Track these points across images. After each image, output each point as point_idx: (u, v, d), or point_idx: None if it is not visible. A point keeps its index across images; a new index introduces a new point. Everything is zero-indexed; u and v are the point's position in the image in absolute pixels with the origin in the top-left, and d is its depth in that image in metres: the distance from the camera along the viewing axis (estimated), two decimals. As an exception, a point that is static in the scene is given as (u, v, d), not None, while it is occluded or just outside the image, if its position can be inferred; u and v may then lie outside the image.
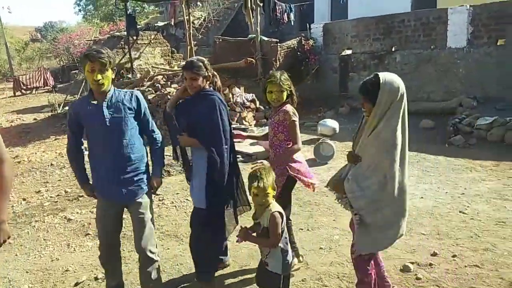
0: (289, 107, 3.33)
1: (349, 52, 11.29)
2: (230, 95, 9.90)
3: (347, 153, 2.82)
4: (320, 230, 4.48)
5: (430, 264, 3.69)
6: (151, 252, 2.96)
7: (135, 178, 2.88)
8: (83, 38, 23.32)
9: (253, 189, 2.55)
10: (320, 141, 7.24)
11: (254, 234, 2.70)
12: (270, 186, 2.56)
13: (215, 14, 17.59)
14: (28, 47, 35.32)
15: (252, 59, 10.93)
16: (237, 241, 2.74)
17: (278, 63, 11.73)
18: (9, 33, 34.63)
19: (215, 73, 3.22)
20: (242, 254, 3.99)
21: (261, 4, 12.48)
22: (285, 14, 14.39)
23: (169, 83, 10.54)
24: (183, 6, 11.98)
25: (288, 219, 3.40)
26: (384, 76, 2.44)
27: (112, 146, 2.79)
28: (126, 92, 2.92)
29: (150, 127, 3.01)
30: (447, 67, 9.68)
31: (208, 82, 3.15)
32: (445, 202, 5.09)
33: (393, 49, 10.46)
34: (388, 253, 3.89)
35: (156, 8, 26.25)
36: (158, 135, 3.06)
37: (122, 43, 14.29)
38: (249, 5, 11.90)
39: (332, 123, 8.21)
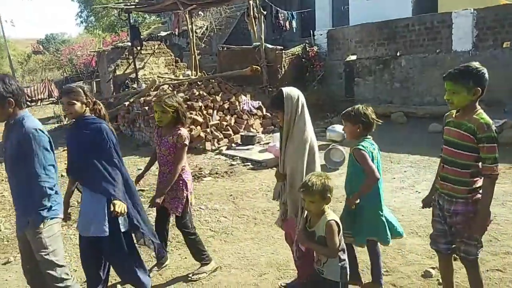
0: (183, 131, 3.47)
1: (353, 57, 11.33)
2: (237, 103, 9.92)
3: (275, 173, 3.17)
4: (337, 236, 4.45)
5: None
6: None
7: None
8: (86, 49, 23.46)
9: (301, 194, 2.55)
10: (330, 147, 7.23)
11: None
12: (318, 193, 2.44)
13: (217, 23, 17.70)
14: (30, 59, 35.51)
15: (257, 67, 10.98)
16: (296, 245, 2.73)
17: (283, 70, 11.79)
18: (12, 45, 34.92)
19: (98, 101, 3.13)
20: (260, 262, 3.98)
21: (265, 13, 12.58)
22: (287, 21, 14.50)
23: (175, 92, 10.56)
24: (186, 16, 12.05)
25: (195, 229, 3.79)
26: (285, 90, 2.93)
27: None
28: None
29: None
30: (453, 70, 9.68)
31: (87, 109, 3.04)
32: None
33: (398, 54, 10.50)
34: (408, 259, 3.87)
35: (158, 18, 26.39)
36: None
37: (126, 53, 14.35)
38: (252, 13, 12.00)
39: (341, 129, 8.20)
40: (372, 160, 2.97)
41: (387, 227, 3.14)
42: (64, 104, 3.00)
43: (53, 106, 16.63)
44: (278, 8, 14.34)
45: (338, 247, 2.50)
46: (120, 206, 2.98)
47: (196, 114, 9.15)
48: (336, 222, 2.50)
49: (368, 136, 3.11)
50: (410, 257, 3.91)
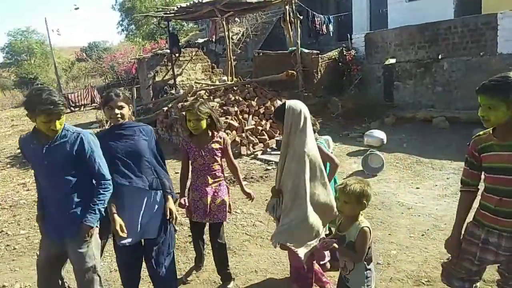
0: (222, 134, 3.54)
1: (393, 61, 11.07)
2: (272, 108, 9.92)
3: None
4: (375, 245, 4.34)
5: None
6: None
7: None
8: (127, 57, 24.25)
9: (337, 194, 2.57)
10: (368, 152, 7.08)
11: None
12: (355, 195, 2.45)
13: (253, 28, 17.82)
14: (74, 66, 37.14)
15: (293, 72, 10.95)
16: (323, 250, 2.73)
17: (319, 74, 11.70)
18: (57, 53, 36.61)
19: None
20: (276, 271, 3.93)
21: (301, 17, 12.54)
22: (324, 25, 14.40)
23: (211, 97, 10.71)
24: (223, 22, 12.22)
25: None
26: (289, 103, 2.88)
27: (54, 186, 2.74)
28: (73, 133, 2.76)
29: (96, 170, 2.79)
30: (498, 73, 9.25)
31: None
32: None
33: (439, 57, 10.16)
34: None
35: (195, 26, 26.91)
36: (105, 180, 2.81)
37: (165, 60, 14.71)
38: (288, 19, 12.00)
39: (380, 134, 8.01)
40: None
41: None
42: (112, 108, 2.96)
43: (95, 111, 17.26)
44: (314, 13, 14.28)
45: (366, 253, 2.51)
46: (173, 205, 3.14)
47: (232, 119, 9.23)
48: (369, 228, 2.51)
49: (318, 137, 3.52)
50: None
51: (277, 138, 8.99)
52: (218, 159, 3.49)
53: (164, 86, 14.26)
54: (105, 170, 2.82)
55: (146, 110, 13.82)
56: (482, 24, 9.48)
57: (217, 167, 3.50)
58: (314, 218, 2.82)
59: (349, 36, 12.50)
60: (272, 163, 7.90)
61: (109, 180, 2.83)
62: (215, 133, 3.47)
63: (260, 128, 9.32)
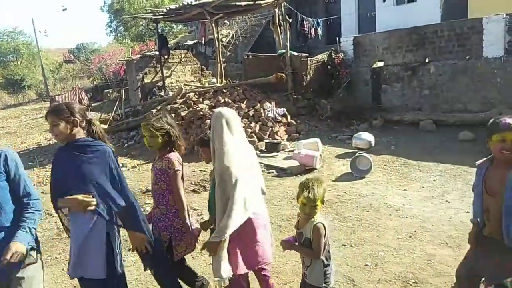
0: (173, 156, 3.03)
1: (381, 64, 11.18)
2: (262, 110, 9.95)
3: None
4: (364, 246, 4.38)
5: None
6: None
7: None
8: (115, 58, 24.07)
9: (302, 198, 2.54)
10: (356, 154, 7.13)
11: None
12: (320, 199, 2.54)
13: (243, 31, 17.87)
14: (62, 68, 36.70)
15: (282, 74, 10.99)
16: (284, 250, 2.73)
17: (308, 77, 11.75)
18: (44, 55, 36.15)
19: (94, 121, 2.79)
20: (285, 270, 3.94)
21: (290, 20, 12.60)
22: (313, 28, 14.50)
23: (201, 99, 10.70)
24: (213, 25, 12.22)
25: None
26: (216, 110, 2.86)
27: None
28: None
29: (21, 190, 2.47)
30: (484, 77, 9.43)
31: (78, 129, 2.65)
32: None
33: (426, 60, 10.29)
34: (438, 270, 3.77)
35: (185, 28, 26.86)
36: (33, 200, 2.49)
37: (154, 62, 14.66)
38: (277, 21, 12.04)
39: (368, 136, 8.09)
40: None
41: None
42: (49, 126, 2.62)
43: (83, 113, 17.09)
44: (303, 16, 14.37)
45: (323, 250, 2.56)
46: (141, 240, 2.70)
47: (221, 121, 9.21)
48: (323, 225, 2.56)
49: None
50: (440, 268, 3.81)
51: (266, 140, 9.01)
52: (161, 183, 3.02)
53: (153, 88, 14.20)
54: (32, 189, 2.52)
55: (134, 112, 13.73)
56: (468, 28, 9.64)
57: (159, 191, 3.05)
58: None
59: (337, 39, 12.59)
60: (261, 166, 7.89)
61: (38, 199, 2.52)
62: (168, 152, 3.05)
63: (249, 130, 9.33)
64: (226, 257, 2.64)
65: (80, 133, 2.63)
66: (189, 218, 3.14)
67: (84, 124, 2.67)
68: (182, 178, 3.08)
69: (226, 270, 2.62)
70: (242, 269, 2.72)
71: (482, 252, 2.58)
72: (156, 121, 3.02)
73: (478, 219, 2.56)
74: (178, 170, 2.99)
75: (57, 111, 2.58)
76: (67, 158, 2.60)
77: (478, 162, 2.69)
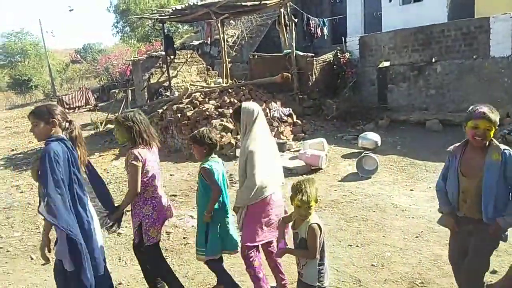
0: (135, 150, 3.20)
1: (387, 64, 11.14)
2: (267, 110, 9.95)
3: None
4: (370, 246, 4.38)
5: (490, 282, 3.52)
6: None
7: None
8: (122, 59, 24.19)
9: (296, 201, 2.57)
10: (362, 154, 7.12)
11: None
12: (314, 199, 2.57)
13: (248, 31, 17.86)
14: (68, 68, 36.96)
15: (288, 74, 10.99)
16: (277, 257, 2.81)
17: (314, 77, 11.74)
18: (51, 55, 36.42)
19: (73, 121, 2.90)
20: (292, 270, 3.94)
21: (296, 20, 12.59)
22: (319, 28, 14.47)
23: (206, 99, 10.72)
24: (218, 25, 12.24)
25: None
26: (244, 104, 3.28)
27: None
28: None
29: None
30: (491, 76, 9.37)
31: (57, 129, 2.77)
32: (500, 217, 4.87)
33: (433, 60, 10.24)
34: (444, 270, 3.75)
35: (190, 28, 26.93)
36: None
37: (160, 62, 14.72)
38: (283, 21, 12.04)
39: (374, 136, 8.08)
40: (217, 176, 3.28)
41: (233, 238, 3.41)
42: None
43: (90, 113, 17.22)
44: (309, 16, 14.35)
45: (318, 250, 2.60)
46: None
47: (227, 121, 9.24)
48: (319, 225, 2.59)
49: (213, 156, 3.37)
50: (447, 268, 3.78)
51: (272, 141, 9.01)
52: (128, 175, 3.27)
53: (159, 88, 14.26)
54: None
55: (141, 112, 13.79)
56: (475, 27, 9.58)
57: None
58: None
59: (343, 39, 12.57)
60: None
61: None
62: (132, 148, 3.24)
63: (255, 130, 9.33)
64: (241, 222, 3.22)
65: (59, 133, 2.78)
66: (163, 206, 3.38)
67: (64, 124, 2.83)
68: (145, 173, 3.23)
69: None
70: (254, 240, 3.17)
71: (460, 233, 2.86)
72: (123, 116, 3.25)
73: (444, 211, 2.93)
74: (132, 163, 3.15)
75: (38, 112, 2.77)
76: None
77: (450, 148, 2.98)
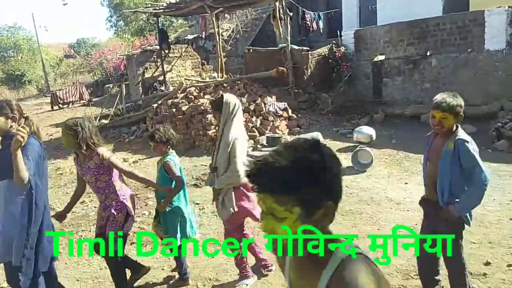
0: (100, 149, 3.29)
1: (382, 57, 11.14)
2: (262, 105, 9.93)
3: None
4: (365, 240, 4.39)
5: (484, 274, 3.56)
6: None
7: None
8: (116, 53, 24.03)
9: None
10: (357, 148, 7.13)
11: None
12: None
13: (243, 25, 17.78)
14: (62, 63, 36.69)
15: (283, 68, 10.96)
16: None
17: (309, 71, 11.72)
18: (45, 50, 36.12)
19: (29, 116, 3.03)
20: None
21: (291, 14, 12.54)
22: (314, 22, 14.41)
23: (201, 94, 10.69)
24: (213, 19, 12.17)
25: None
26: (226, 95, 3.51)
27: None
28: None
29: None
30: (486, 70, 9.40)
31: (15, 124, 2.89)
32: (494, 209, 4.91)
33: (428, 53, 10.25)
34: (440, 262, 3.77)
35: (185, 22, 26.76)
36: None
37: (155, 56, 14.64)
38: (278, 15, 11.99)
39: (369, 130, 8.08)
40: (179, 169, 3.60)
41: (192, 225, 3.75)
42: None
43: (84, 109, 17.11)
44: (304, 9, 14.28)
45: None
46: None
47: (222, 116, 9.21)
48: None
49: (172, 150, 3.69)
50: (440, 260, 3.81)
51: (267, 135, 9.00)
52: (102, 177, 3.32)
53: (154, 83, 14.19)
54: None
55: (135, 107, 13.73)
56: (470, 21, 9.59)
57: (103, 185, 3.35)
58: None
59: (338, 33, 12.53)
60: (262, 160, 7.89)
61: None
62: (95, 149, 3.27)
63: (250, 124, 9.33)
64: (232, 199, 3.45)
65: (14, 127, 2.87)
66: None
67: (21, 120, 2.93)
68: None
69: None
70: (242, 215, 3.53)
71: (428, 214, 3.07)
72: (72, 122, 3.26)
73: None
74: (111, 156, 3.31)
75: None
76: (2, 148, 2.89)
77: (427, 134, 3.12)
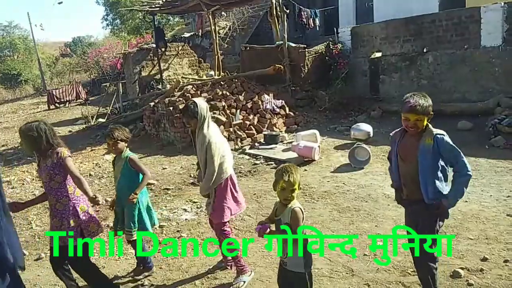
0: (60, 149, 3.28)
1: (378, 54, 11.14)
2: (260, 102, 9.93)
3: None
4: (362, 236, 4.41)
5: (481, 270, 3.57)
6: None
7: None
8: (112, 52, 23.95)
9: (281, 182, 2.58)
10: (355, 145, 7.14)
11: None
12: (298, 183, 2.60)
13: (240, 23, 17.75)
14: (58, 62, 36.55)
15: (280, 66, 10.95)
16: (259, 235, 2.73)
17: (306, 68, 11.72)
18: (41, 49, 35.99)
19: None
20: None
21: (288, 11, 12.53)
22: (311, 19, 14.41)
23: (199, 92, 10.67)
24: (209, 16, 12.14)
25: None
26: (197, 100, 3.63)
27: None
28: None
29: None
30: (482, 66, 9.41)
31: None
32: (491, 205, 4.93)
33: (424, 50, 10.25)
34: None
35: (181, 20, 26.69)
36: None
37: (151, 55, 14.60)
38: (275, 13, 11.98)
39: (366, 127, 8.09)
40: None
41: (151, 217, 3.94)
42: None
43: (81, 108, 17.06)
44: (301, 7, 14.28)
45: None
46: None
47: (219, 114, 9.21)
48: (301, 209, 2.63)
49: (127, 148, 3.84)
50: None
51: (265, 132, 9.01)
52: (57, 177, 3.26)
53: (151, 81, 14.17)
54: None
55: (132, 105, 13.70)
56: (466, 17, 9.59)
57: (56, 185, 3.28)
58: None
59: (335, 30, 12.53)
60: (260, 158, 7.91)
61: None
62: (53, 149, 3.27)
63: (247, 122, 9.33)
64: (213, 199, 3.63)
65: None
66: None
67: None
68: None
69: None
70: (227, 217, 3.62)
71: (409, 211, 3.09)
72: (27, 127, 3.24)
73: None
74: (68, 156, 3.27)
75: None
76: None
77: (391, 134, 3.16)
